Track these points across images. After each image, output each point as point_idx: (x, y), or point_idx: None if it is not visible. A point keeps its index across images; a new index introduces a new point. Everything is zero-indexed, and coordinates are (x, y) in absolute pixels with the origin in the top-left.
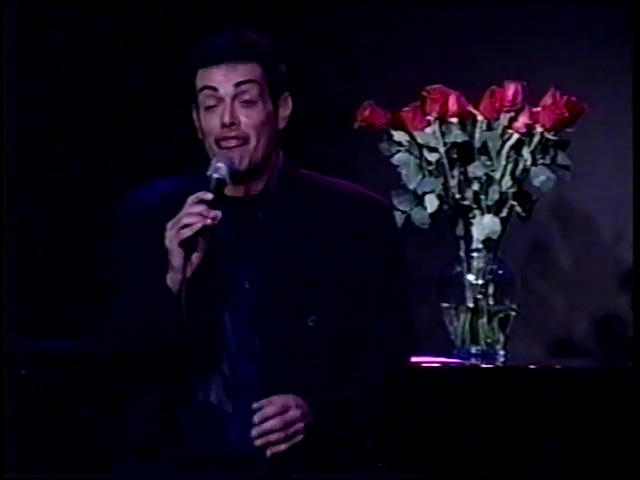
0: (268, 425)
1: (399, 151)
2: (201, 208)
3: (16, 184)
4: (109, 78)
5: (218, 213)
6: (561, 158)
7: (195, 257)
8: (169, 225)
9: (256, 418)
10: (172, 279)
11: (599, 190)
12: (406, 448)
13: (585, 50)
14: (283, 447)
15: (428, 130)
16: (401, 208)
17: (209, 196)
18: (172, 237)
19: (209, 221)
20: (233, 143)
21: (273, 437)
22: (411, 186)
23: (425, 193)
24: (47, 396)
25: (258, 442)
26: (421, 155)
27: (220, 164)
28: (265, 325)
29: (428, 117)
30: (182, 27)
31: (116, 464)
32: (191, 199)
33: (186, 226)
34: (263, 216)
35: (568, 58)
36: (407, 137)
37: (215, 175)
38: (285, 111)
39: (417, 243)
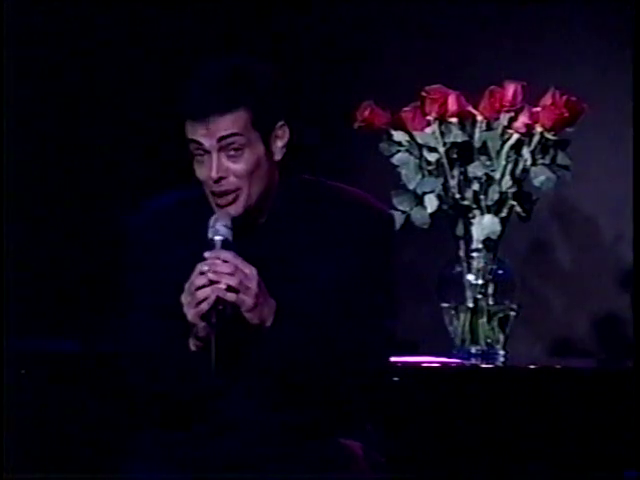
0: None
1: (399, 151)
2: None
3: (17, 185)
4: (116, 87)
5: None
6: (561, 158)
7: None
8: (183, 298)
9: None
10: (196, 346)
11: (599, 190)
12: (406, 448)
13: (585, 50)
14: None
15: (428, 130)
16: (401, 208)
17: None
18: (192, 314)
19: (222, 286)
20: (225, 201)
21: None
22: (411, 186)
23: (425, 193)
24: (47, 396)
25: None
26: (421, 155)
27: (219, 226)
28: (275, 342)
29: (428, 117)
30: (183, 31)
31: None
32: (198, 269)
33: (202, 301)
34: (270, 241)
35: (568, 58)
36: (407, 137)
37: (217, 238)
38: (281, 141)
39: (417, 243)
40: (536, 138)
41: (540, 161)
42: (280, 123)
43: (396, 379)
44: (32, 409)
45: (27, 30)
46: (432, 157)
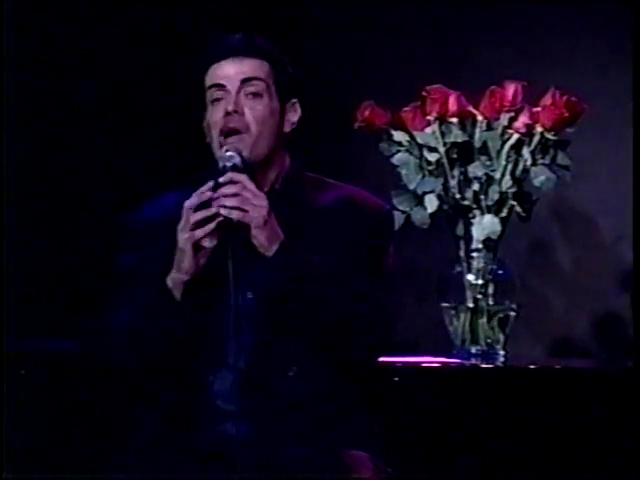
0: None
1: (399, 151)
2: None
3: (17, 186)
4: (116, 87)
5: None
6: (561, 158)
7: (202, 260)
8: (180, 227)
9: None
10: (174, 280)
11: (599, 190)
12: (406, 448)
13: (585, 50)
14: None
15: (428, 130)
16: (401, 208)
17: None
18: (185, 238)
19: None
20: (235, 134)
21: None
22: (411, 186)
23: (425, 193)
24: (47, 396)
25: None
26: (421, 155)
27: (230, 153)
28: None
29: (428, 117)
30: (186, 29)
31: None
32: (188, 204)
33: (197, 226)
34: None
35: (568, 58)
36: (407, 137)
37: (229, 164)
38: (293, 116)
39: (417, 243)
40: (536, 138)
41: (540, 161)
42: (294, 100)
43: (396, 379)
44: (32, 409)
45: (27, 30)
46: (432, 157)
